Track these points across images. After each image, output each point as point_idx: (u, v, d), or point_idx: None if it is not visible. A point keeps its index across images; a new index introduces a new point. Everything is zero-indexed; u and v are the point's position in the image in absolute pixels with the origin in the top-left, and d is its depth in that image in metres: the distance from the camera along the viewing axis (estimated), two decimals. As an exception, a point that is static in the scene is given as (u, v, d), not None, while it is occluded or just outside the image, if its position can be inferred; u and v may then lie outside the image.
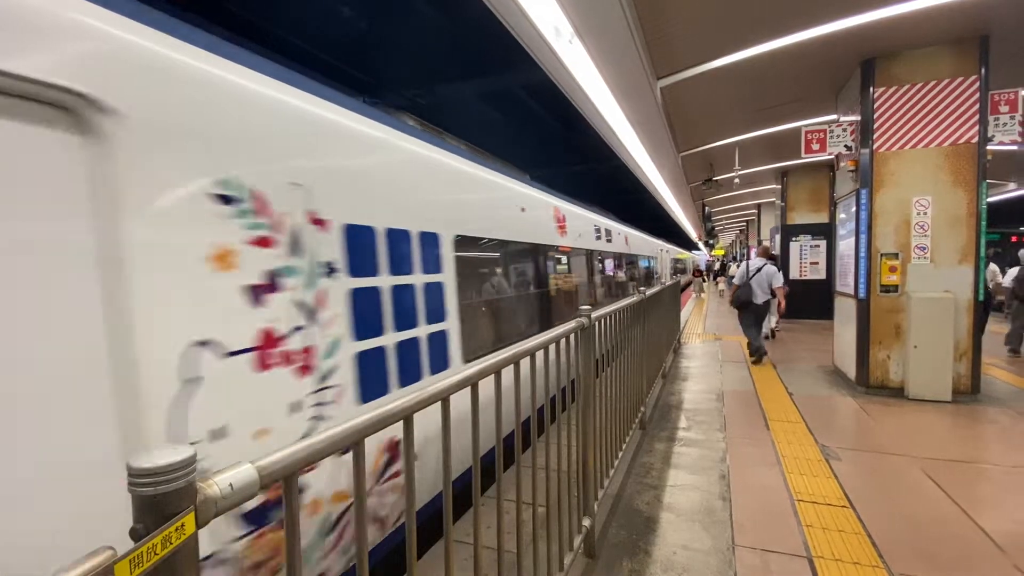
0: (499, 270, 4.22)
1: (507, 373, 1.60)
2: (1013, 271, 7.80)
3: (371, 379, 2.36)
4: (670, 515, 2.85)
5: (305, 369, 2.00)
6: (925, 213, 4.90)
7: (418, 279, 2.81)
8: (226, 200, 1.74)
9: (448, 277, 3.11)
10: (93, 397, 1.35)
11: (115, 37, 1.46)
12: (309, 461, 0.80)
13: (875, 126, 5.03)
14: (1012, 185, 11.54)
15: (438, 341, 2.93)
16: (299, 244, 2.02)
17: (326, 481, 2.05)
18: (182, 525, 0.59)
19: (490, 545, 2.20)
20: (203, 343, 1.63)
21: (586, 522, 2.39)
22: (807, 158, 6.11)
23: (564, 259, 5.94)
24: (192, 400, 1.58)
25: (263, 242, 1.87)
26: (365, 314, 2.35)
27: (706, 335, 9.52)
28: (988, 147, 4.73)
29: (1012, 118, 4.84)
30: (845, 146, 5.59)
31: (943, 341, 4.74)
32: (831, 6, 4.17)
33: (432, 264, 2.96)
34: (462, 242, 3.33)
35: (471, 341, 3.32)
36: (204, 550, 1.53)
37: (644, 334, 3.94)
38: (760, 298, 6.62)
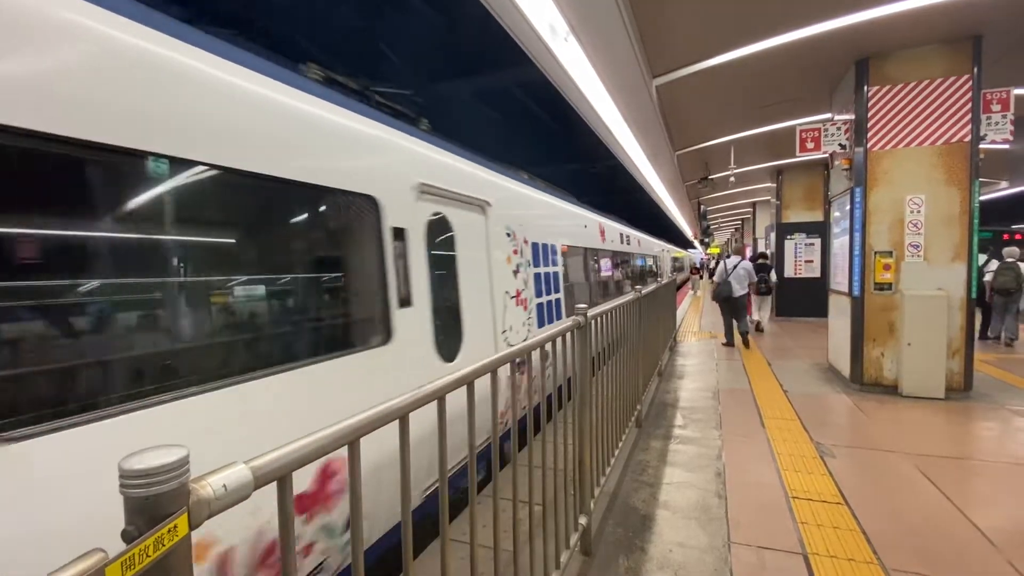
0: (577, 263, 6.86)
1: (505, 372, 1.59)
2: (993, 265, 7.96)
3: (541, 315, 5.07)
4: (666, 512, 2.85)
5: (525, 306, 4.65)
6: (918, 211, 4.92)
7: (551, 269, 5.53)
8: (508, 235, 4.38)
9: (559, 268, 5.84)
10: (493, 307, 3.98)
11: (497, 185, 4.26)
12: (303, 462, 0.79)
13: (869, 125, 5.05)
14: (1004, 184, 11.62)
15: (558, 302, 5.68)
16: (522, 252, 4.67)
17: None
18: (175, 527, 0.58)
19: (487, 544, 2.20)
20: (506, 292, 4.23)
21: (583, 520, 2.39)
22: (802, 157, 6.13)
23: (603, 256, 8.61)
24: (505, 313, 4.17)
25: (515, 252, 4.51)
26: (538, 284, 5.04)
27: (702, 333, 9.55)
28: (980, 146, 4.77)
29: (1004, 117, 4.87)
30: (839, 145, 5.61)
31: (936, 339, 4.77)
32: (825, 6, 4.19)
33: (554, 261, 5.65)
34: (565, 248, 6.18)
35: (568, 302, 6.07)
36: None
37: (640, 332, 3.95)
38: (738, 292, 7.61)
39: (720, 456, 3.62)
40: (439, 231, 3.34)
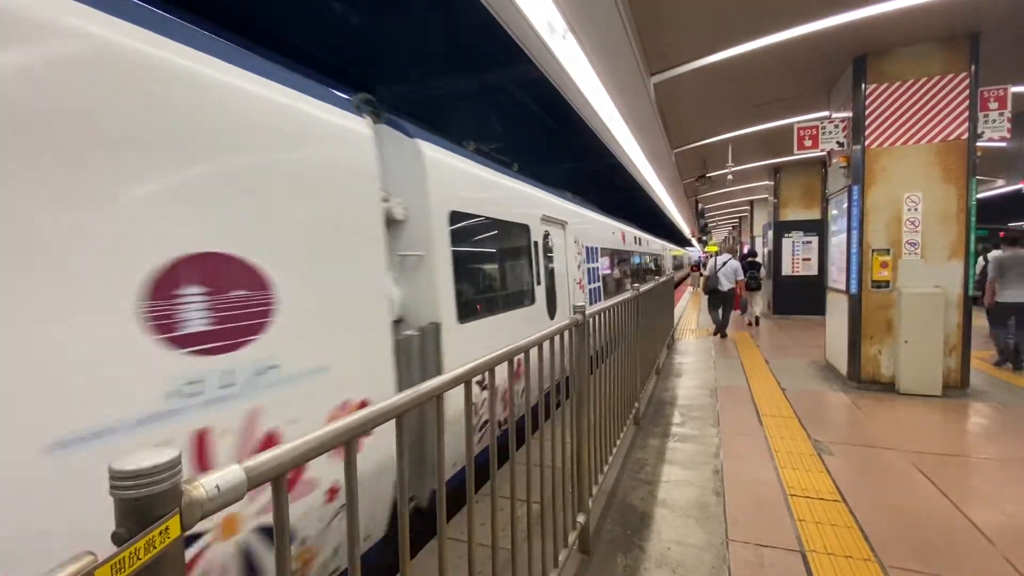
0: (608, 260, 8.80)
1: (502, 371, 1.59)
2: (979, 263, 8.05)
3: (590, 296, 7.05)
4: (664, 510, 2.86)
5: (583, 289, 6.73)
6: (916, 209, 4.93)
7: (594, 265, 7.48)
8: (575, 242, 6.51)
9: (598, 264, 7.73)
10: (568, 288, 6.04)
11: (570, 209, 6.54)
12: (297, 463, 0.79)
13: (867, 123, 5.06)
14: (1001, 182, 11.65)
15: (598, 288, 7.64)
16: (581, 253, 6.78)
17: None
18: (166, 528, 0.58)
19: (484, 542, 2.20)
20: (574, 279, 6.29)
21: (580, 518, 2.39)
22: (800, 155, 6.13)
23: (623, 255, 10.66)
24: (574, 294, 6.21)
25: (578, 253, 6.63)
26: (588, 275, 7.00)
27: (700, 331, 9.56)
28: (978, 144, 4.77)
29: (1001, 115, 4.88)
30: (837, 142, 5.61)
31: (933, 336, 4.78)
32: (824, 3, 4.18)
33: (596, 259, 7.62)
34: (609, 251, 8.73)
35: (604, 288, 8.11)
36: None
37: (638, 330, 3.95)
38: (725, 286, 8.54)
39: (718, 454, 3.62)
40: (548, 241, 5.50)
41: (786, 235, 10.99)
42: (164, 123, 1.58)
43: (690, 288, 19.47)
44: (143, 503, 0.57)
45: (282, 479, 0.78)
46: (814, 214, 10.74)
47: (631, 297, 3.64)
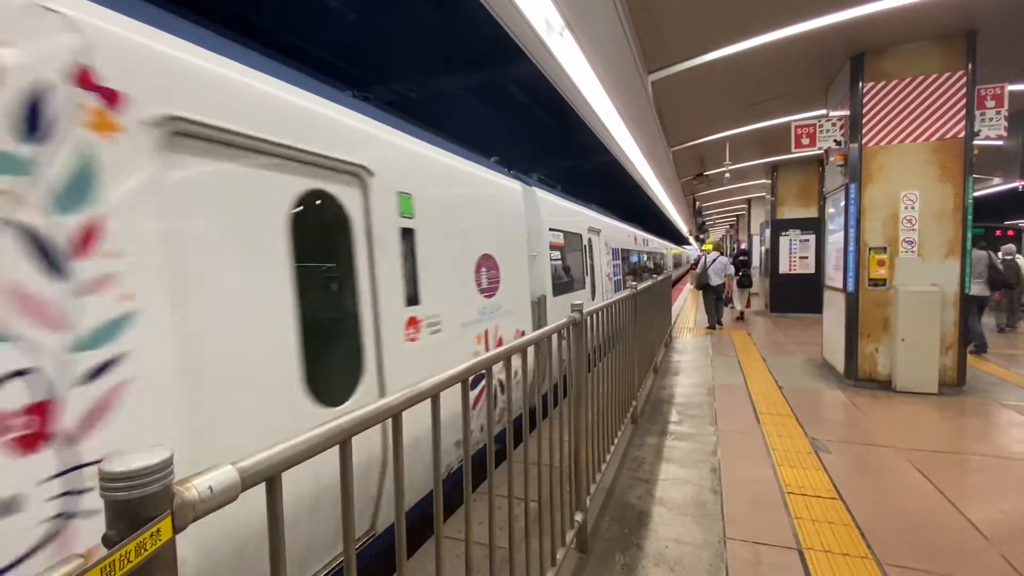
0: (625, 257, 11.01)
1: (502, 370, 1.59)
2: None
3: (615, 285, 9.76)
4: (662, 509, 2.86)
5: (610, 280, 9.41)
6: (913, 207, 4.94)
7: (617, 261, 10.26)
8: (606, 244, 9.07)
9: (619, 261, 10.51)
10: (602, 278, 8.61)
11: (602, 220, 9.32)
12: (291, 463, 0.78)
13: (864, 121, 5.06)
14: (997, 180, 11.67)
15: (618, 280, 10.24)
16: (608, 252, 9.30)
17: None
18: (157, 531, 0.57)
19: (482, 541, 2.19)
20: (606, 273, 8.96)
21: (578, 517, 2.39)
22: (797, 153, 6.15)
23: (635, 253, 13.15)
24: (604, 282, 8.65)
25: (607, 252, 9.19)
26: (613, 270, 9.79)
27: (697, 329, 9.58)
28: (974, 142, 4.78)
29: (998, 113, 4.89)
30: (834, 141, 5.62)
31: (930, 334, 4.79)
32: (821, 1, 4.18)
33: (618, 257, 10.38)
34: (624, 251, 11.25)
35: (622, 280, 10.49)
36: None
37: (636, 329, 3.94)
38: (715, 281, 9.50)
39: (716, 452, 3.63)
40: (591, 245, 7.73)
41: (783, 233, 11.01)
42: (479, 202, 3.98)
43: (689, 285, 19.55)
44: (134, 505, 0.56)
45: (276, 479, 0.77)
46: (811, 212, 10.75)
47: (628, 295, 3.64)
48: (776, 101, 6.65)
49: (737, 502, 2.90)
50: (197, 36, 1.79)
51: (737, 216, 22.89)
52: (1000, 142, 5.16)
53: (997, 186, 11.87)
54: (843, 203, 5.44)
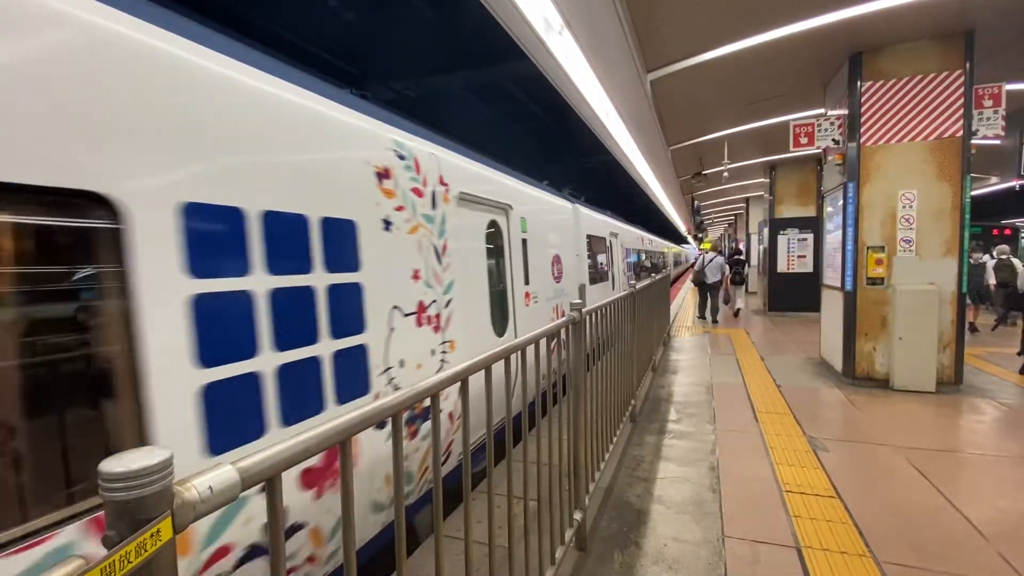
0: (635, 256, 13.38)
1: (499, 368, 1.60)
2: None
3: (627, 279, 10.85)
4: (661, 507, 2.86)
5: (624, 275, 10.91)
6: (911, 206, 4.95)
7: (629, 260, 12.14)
8: (622, 245, 10.83)
9: (632, 259, 12.67)
10: (620, 272, 10.65)
11: (618, 225, 10.99)
12: (291, 462, 0.78)
13: (862, 120, 5.06)
14: (995, 179, 11.71)
15: (631, 274, 12.09)
16: (622, 252, 10.93)
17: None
18: (157, 531, 0.56)
19: (481, 540, 2.19)
20: (622, 269, 10.76)
21: (577, 515, 2.39)
22: (795, 152, 6.15)
23: (642, 253, 15.03)
24: (620, 276, 10.43)
25: (622, 251, 10.87)
26: (626, 267, 11.54)
27: (695, 328, 9.59)
28: (972, 141, 4.79)
29: (996, 112, 4.90)
30: (833, 140, 5.62)
31: (927, 333, 4.81)
32: (819, 0, 4.18)
33: (630, 255, 12.35)
34: (639, 251, 14.19)
35: (635, 274, 12.53)
36: None
37: (634, 328, 3.95)
38: (710, 279, 10.30)
39: (714, 451, 3.63)
40: (613, 246, 9.65)
41: (782, 232, 11.02)
42: (552, 218, 5.85)
43: (690, 281, 19.74)
44: (133, 505, 0.56)
45: (276, 479, 0.77)
46: (809, 211, 10.77)
47: (627, 294, 3.64)
48: (775, 100, 6.65)
49: (736, 500, 2.91)
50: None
51: (735, 215, 22.92)
52: (998, 141, 5.16)
53: (994, 185, 11.90)
54: (841, 202, 5.45)
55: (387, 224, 2.61)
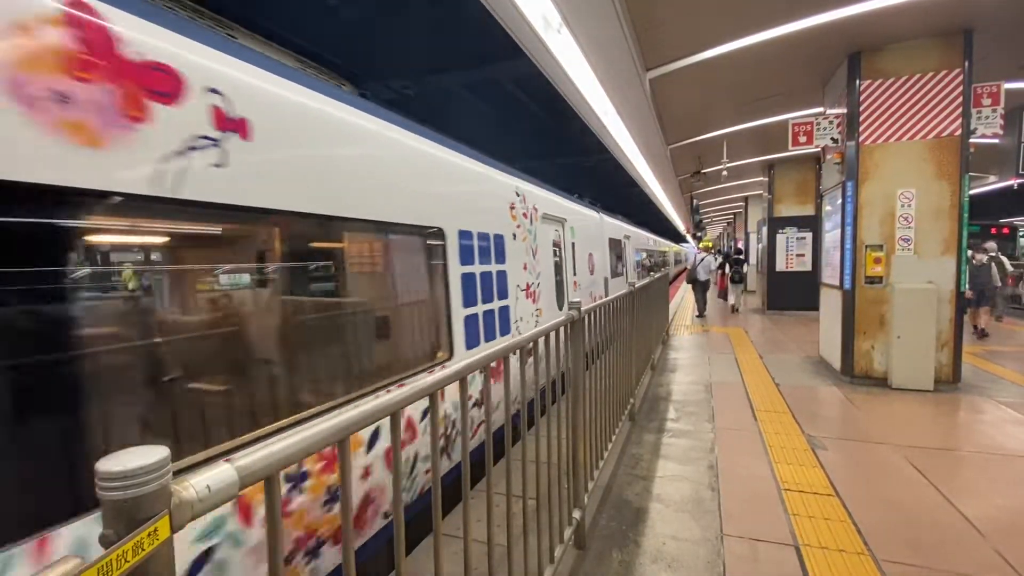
0: (642, 256, 15.35)
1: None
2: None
3: (637, 275, 11.98)
4: (659, 506, 2.86)
5: (634, 271, 12.89)
6: (909, 205, 4.95)
7: (638, 259, 14.04)
8: (633, 248, 12.81)
9: (640, 258, 14.81)
10: (632, 269, 12.57)
11: (629, 229, 12.30)
12: (289, 461, 0.77)
13: (861, 119, 5.06)
14: (993, 178, 11.72)
15: (639, 271, 13.94)
16: (632, 252, 12.59)
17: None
18: (155, 530, 0.56)
19: (480, 538, 2.20)
20: (634, 267, 12.95)
21: (576, 514, 2.39)
22: (794, 151, 6.15)
23: (647, 252, 16.74)
24: (632, 272, 12.27)
25: (633, 251, 12.65)
26: (635, 264, 13.27)
27: (694, 327, 9.60)
28: (971, 140, 4.80)
29: (994, 111, 4.90)
30: (831, 139, 5.63)
31: (926, 331, 4.82)
32: (819, -2, 4.18)
33: (639, 255, 14.29)
34: (640, 249, 15.03)
35: (643, 272, 14.53)
36: None
37: (634, 326, 3.95)
38: (702, 276, 11.08)
39: (713, 449, 3.64)
40: (626, 247, 11.41)
41: (780, 231, 11.03)
42: (586, 224, 7.62)
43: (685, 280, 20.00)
44: (130, 504, 0.55)
45: (274, 478, 0.77)
46: (808, 210, 10.78)
47: (626, 293, 3.64)
48: (773, 99, 6.65)
49: (734, 499, 2.91)
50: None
51: (734, 214, 22.93)
52: (996, 140, 5.17)
53: (993, 184, 11.91)
54: (840, 201, 5.45)
55: (513, 236, 4.47)
